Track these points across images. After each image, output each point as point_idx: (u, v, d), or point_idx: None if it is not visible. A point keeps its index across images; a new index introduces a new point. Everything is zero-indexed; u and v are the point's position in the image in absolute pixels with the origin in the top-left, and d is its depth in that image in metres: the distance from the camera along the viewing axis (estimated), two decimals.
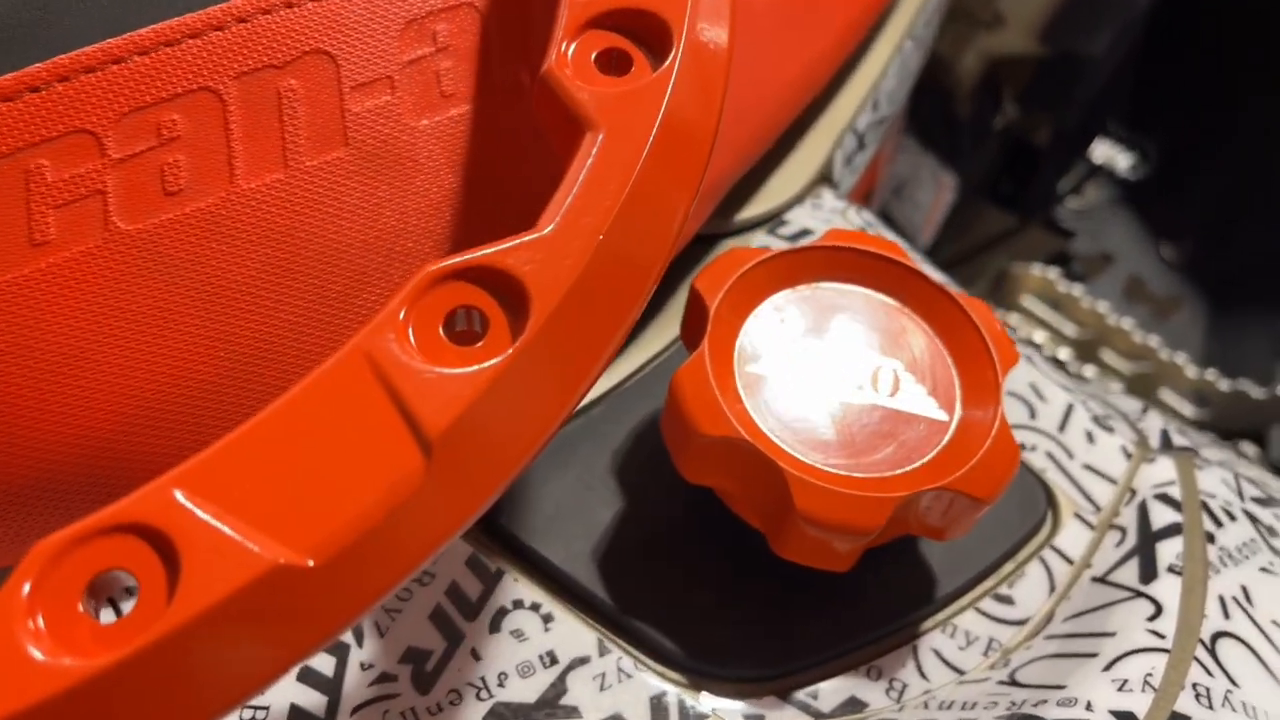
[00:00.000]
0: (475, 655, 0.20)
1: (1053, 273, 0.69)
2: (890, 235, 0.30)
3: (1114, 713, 0.18)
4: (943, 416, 0.21)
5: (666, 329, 0.26)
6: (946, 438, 0.20)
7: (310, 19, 0.19)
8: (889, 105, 0.36)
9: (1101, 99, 0.66)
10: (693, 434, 0.19)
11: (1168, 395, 0.67)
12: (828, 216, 0.30)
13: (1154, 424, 0.27)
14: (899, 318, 0.22)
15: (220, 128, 0.19)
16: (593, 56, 0.17)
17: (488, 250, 0.14)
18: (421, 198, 0.20)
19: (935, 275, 0.29)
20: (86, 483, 0.18)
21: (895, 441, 0.20)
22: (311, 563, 0.12)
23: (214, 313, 0.19)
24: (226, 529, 0.12)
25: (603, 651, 0.21)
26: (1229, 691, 0.19)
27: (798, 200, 0.30)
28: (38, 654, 0.11)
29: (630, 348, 0.25)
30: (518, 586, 0.21)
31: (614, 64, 0.17)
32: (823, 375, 0.21)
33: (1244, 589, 0.21)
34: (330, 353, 0.20)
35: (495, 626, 0.21)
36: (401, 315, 0.14)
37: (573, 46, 0.17)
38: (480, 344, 0.14)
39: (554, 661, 0.20)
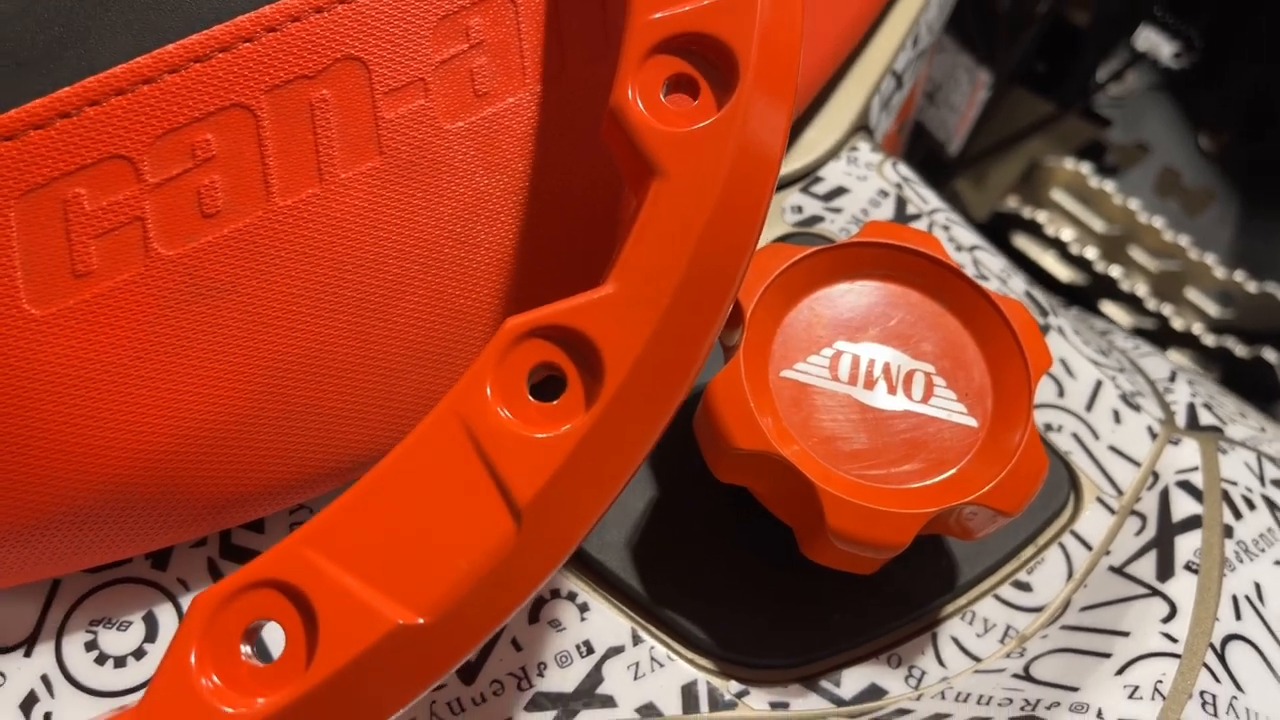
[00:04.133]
0: (516, 646, 0.21)
1: (1085, 167, 0.68)
2: (926, 191, 0.29)
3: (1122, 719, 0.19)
4: (973, 423, 0.21)
5: None
6: (976, 446, 0.21)
7: (340, 23, 0.19)
8: (929, 35, 0.35)
9: None
10: (726, 445, 0.20)
11: (1194, 295, 0.67)
12: (863, 172, 0.29)
13: (1181, 395, 0.27)
14: (933, 317, 0.22)
15: (254, 144, 0.18)
16: (660, 87, 0.16)
17: (561, 308, 0.15)
18: (455, 201, 0.20)
19: (967, 236, 0.28)
20: (144, 501, 0.19)
21: (926, 450, 0.20)
22: (423, 621, 0.14)
23: (256, 333, 0.19)
24: (354, 589, 0.13)
25: (636, 641, 0.22)
26: (1234, 698, 0.20)
27: (833, 154, 0.29)
28: (216, 695, 0.13)
29: None
30: (555, 577, 0.22)
31: (681, 86, 0.16)
32: (857, 380, 0.21)
33: (1257, 586, 0.22)
34: (368, 365, 0.20)
35: (534, 617, 0.22)
36: (488, 386, 0.14)
37: (639, 75, 0.16)
38: (559, 400, 0.15)
39: (590, 651, 0.21)
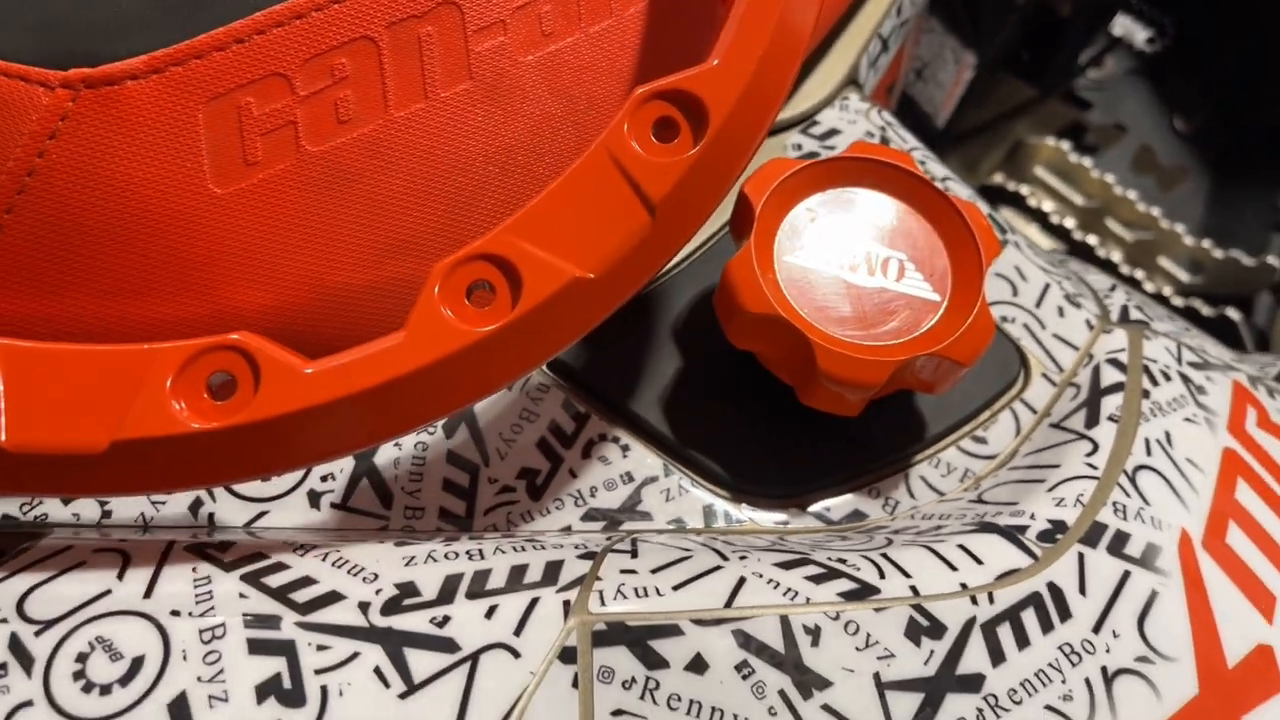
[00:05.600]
0: (572, 474, 0.27)
1: (1065, 144, 0.73)
2: (907, 136, 0.35)
3: (1050, 520, 0.25)
4: (936, 298, 0.26)
5: (714, 220, 0.31)
6: (938, 314, 0.26)
7: None
8: (911, 7, 0.40)
9: None
10: (741, 311, 0.25)
11: (1165, 262, 0.72)
12: (853, 117, 0.34)
13: (1118, 300, 0.32)
14: (906, 216, 0.27)
15: (377, 68, 0.24)
16: None
17: (678, 77, 0.21)
18: (527, 119, 0.25)
19: (939, 170, 0.34)
20: (286, 335, 0.24)
21: (898, 317, 0.26)
22: (593, 276, 0.20)
23: (373, 216, 0.24)
24: (544, 256, 0.20)
25: (667, 473, 0.27)
26: (1141, 508, 0.25)
27: (828, 103, 0.35)
28: (456, 322, 0.19)
29: None
30: (602, 424, 0.27)
31: None
32: (844, 264, 0.26)
33: (1167, 434, 0.27)
34: (456, 247, 0.25)
35: (587, 454, 0.27)
36: (626, 124, 0.20)
37: None
38: (675, 141, 0.21)
39: (631, 479, 0.27)
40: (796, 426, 0.28)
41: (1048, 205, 0.72)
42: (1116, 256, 0.71)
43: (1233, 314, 0.67)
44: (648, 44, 0.26)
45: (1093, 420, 0.27)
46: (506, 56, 0.25)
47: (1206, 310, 0.68)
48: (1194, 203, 0.76)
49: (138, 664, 0.20)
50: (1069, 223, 0.72)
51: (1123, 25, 0.75)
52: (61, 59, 0.22)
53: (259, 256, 0.23)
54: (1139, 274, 0.70)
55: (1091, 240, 0.71)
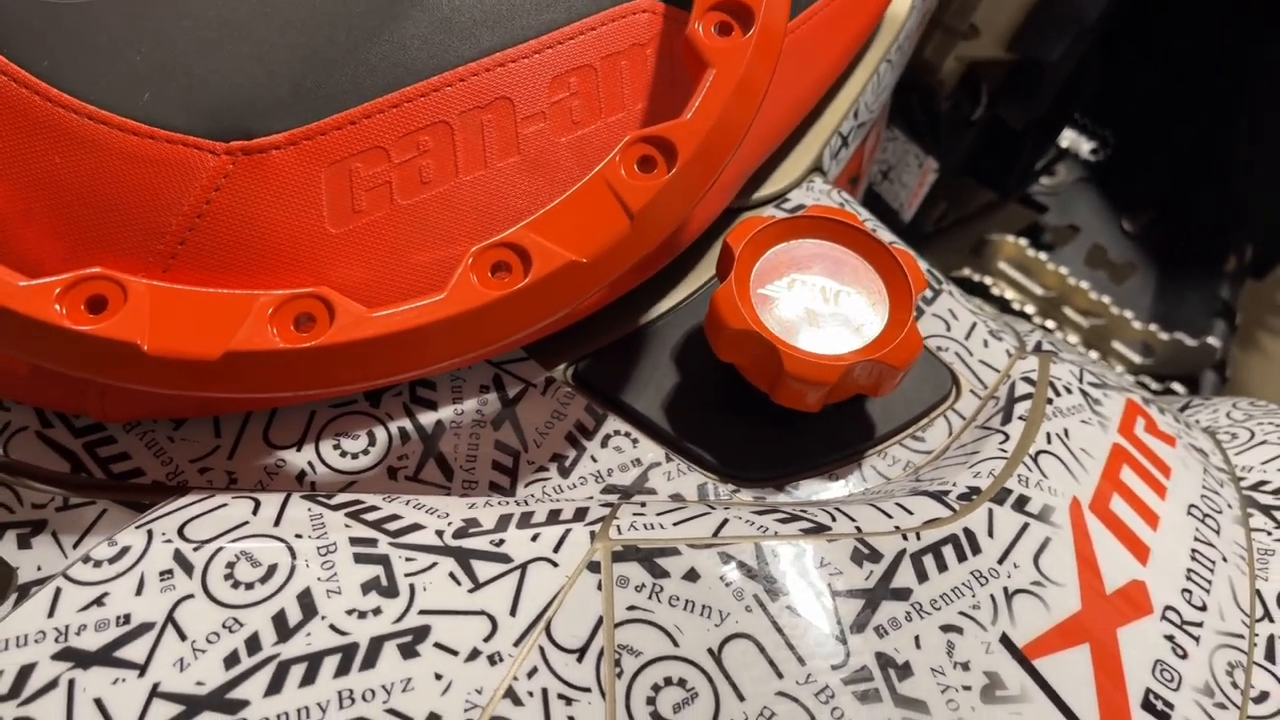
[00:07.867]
0: (593, 459, 0.33)
1: (1024, 242, 0.82)
2: (859, 209, 0.43)
3: (968, 486, 0.31)
4: (876, 319, 0.34)
5: (704, 272, 0.39)
6: (878, 331, 0.33)
7: (500, 79, 0.32)
8: (867, 113, 0.49)
9: (1067, 93, 0.78)
10: (725, 327, 0.32)
11: (1118, 345, 0.80)
12: (817, 196, 0.43)
13: (1033, 339, 0.40)
14: (853, 260, 0.35)
15: (450, 144, 0.32)
16: (713, 27, 0.30)
17: (660, 127, 0.29)
18: (559, 183, 0.33)
19: (885, 236, 0.42)
20: None
21: (847, 334, 0.33)
22: (585, 260, 0.27)
23: (444, 252, 0.32)
24: (549, 246, 0.27)
25: (668, 459, 0.34)
26: (1040, 480, 0.32)
27: (796, 185, 0.43)
28: (480, 287, 0.27)
29: (681, 283, 0.39)
30: (617, 422, 0.34)
31: (723, 28, 0.30)
32: (804, 295, 0.34)
33: (1065, 430, 0.34)
34: None
35: (604, 444, 0.34)
36: (618, 157, 0.28)
37: (702, 19, 0.30)
38: (654, 172, 0.29)
39: (639, 464, 0.34)
40: (770, 425, 0.35)
41: (1010, 294, 0.81)
42: (1074, 340, 0.79)
43: (1178, 387, 0.75)
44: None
45: (1006, 419, 0.35)
46: (546, 138, 0.33)
47: (1156, 386, 0.75)
48: (1143, 292, 0.84)
49: (273, 569, 0.27)
50: (1029, 309, 0.80)
51: (1069, 137, 0.84)
52: (224, 133, 0.30)
53: (357, 279, 0.31)
54: (1094, 355, 0.78)
55: (1050, 325, 0.79)
